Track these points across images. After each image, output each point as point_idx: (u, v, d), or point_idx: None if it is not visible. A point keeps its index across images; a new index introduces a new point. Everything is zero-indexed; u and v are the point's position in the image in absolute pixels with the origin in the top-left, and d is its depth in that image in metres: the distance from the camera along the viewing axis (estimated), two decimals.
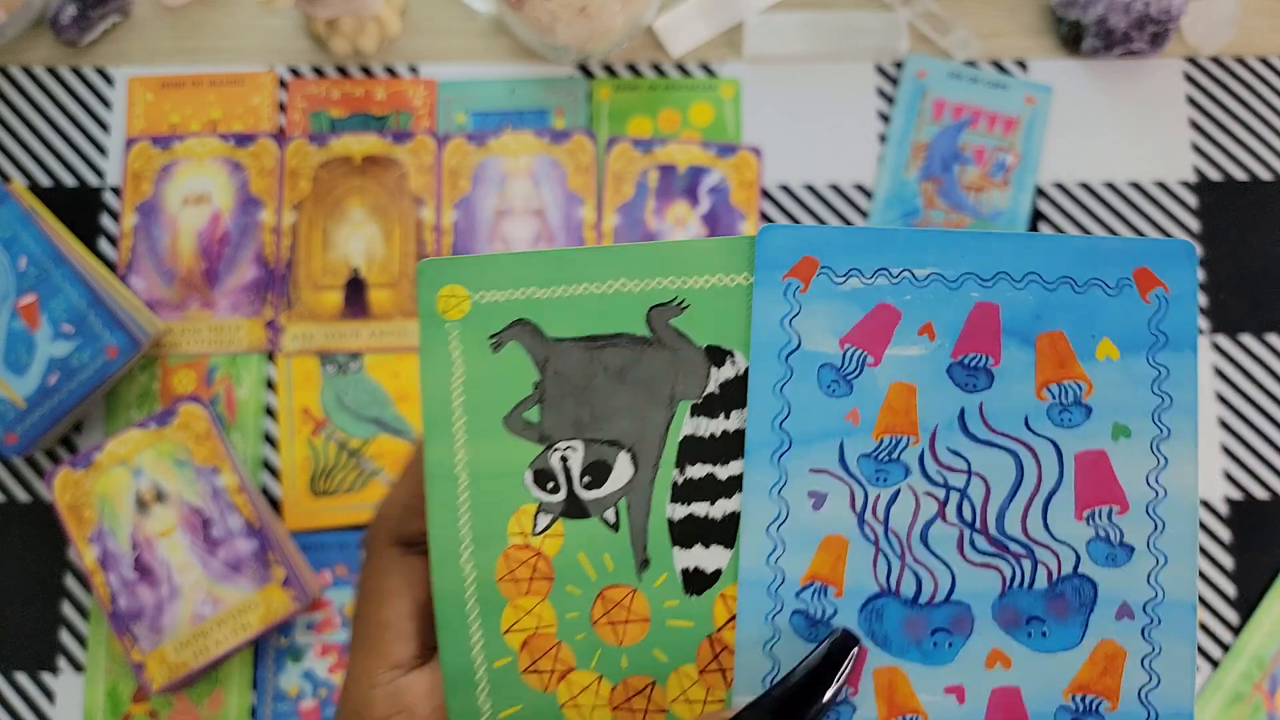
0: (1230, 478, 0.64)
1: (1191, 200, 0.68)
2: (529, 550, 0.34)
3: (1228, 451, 0.65)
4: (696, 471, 0.34)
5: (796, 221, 0.68)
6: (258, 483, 0.64)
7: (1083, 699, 0.31)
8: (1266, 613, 0.62)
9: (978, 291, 0.32)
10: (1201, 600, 0.62)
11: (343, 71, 0.70)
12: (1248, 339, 0.66)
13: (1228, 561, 0.63)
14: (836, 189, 0.68)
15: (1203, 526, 0.64)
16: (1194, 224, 0.67)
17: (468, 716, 0.34)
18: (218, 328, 0.66)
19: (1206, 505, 0.64)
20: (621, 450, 0.34)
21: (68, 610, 0.63)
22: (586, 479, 0.34)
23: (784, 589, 0.32)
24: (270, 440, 0.65)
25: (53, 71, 0.70)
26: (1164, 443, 0.31)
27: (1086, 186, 0.68)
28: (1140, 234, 0.67)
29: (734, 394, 0.34)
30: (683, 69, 0.70)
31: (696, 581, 0.33)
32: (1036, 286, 0.31)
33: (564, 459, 0.34)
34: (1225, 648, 0.62)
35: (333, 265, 0.67)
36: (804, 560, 0.32)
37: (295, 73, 0.70)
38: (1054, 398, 0.31)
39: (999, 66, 0.70)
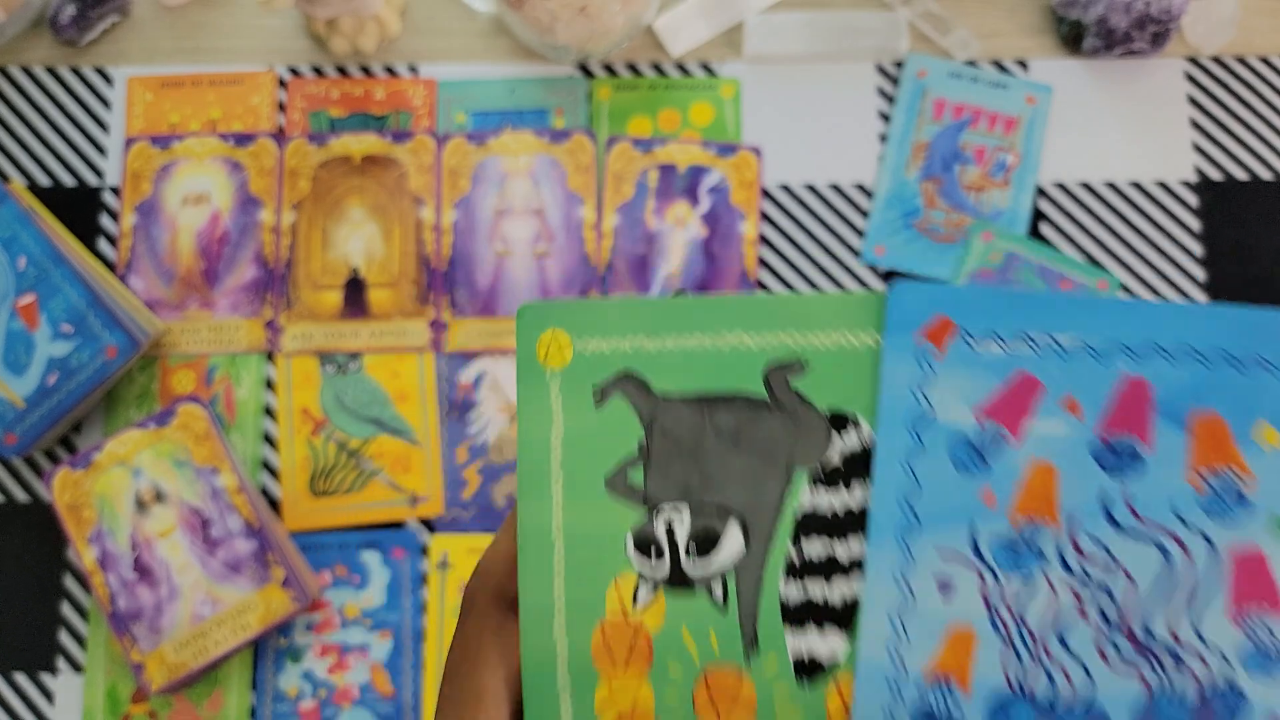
0: None
1: (1192, 200, 0.68)
2: (628, 625, 0.31)
3: None
4: (815, 548, 0.31)
5: (797, 221, 0.68)
6: (257, 483, 0.64)
7: None
8: None
9: (1127, 364, 0.29)
10: None
11: (342, 71, 0.70)
12: None
13: None
14: (837, 189, 0.68)
15: None
16: (1194, 224, 0.67)
17: None
18: (217, 328, 0.66)
19: None
20: (732, 517, 0.31)
21: (67, 611, 0.63)
22: (693, 546, 0.31)
23: (906, 684, 0.29)
24: (270, 440, 0.65)
25: (52, 71, 0.70)
26: None
27: (1087, 186, 0.68)
28: (1143, 235, 0.67)
29: (858, 465, 0.31)
30: (683, 69, 0.70)
31: (810, 669, 0.31)
32: (1192, 362, 0.29)
33: (669, 524, 0.31)
34: None
35: (332, 265, 0.66)
36: (928, 652, 0.30)
37: (295, 72, 0.70)
38: (1209, 486, 0.29)
39: (999, 66, 0.70)
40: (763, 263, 0.67)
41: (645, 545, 0.31)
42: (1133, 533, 0.29)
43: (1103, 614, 0.29)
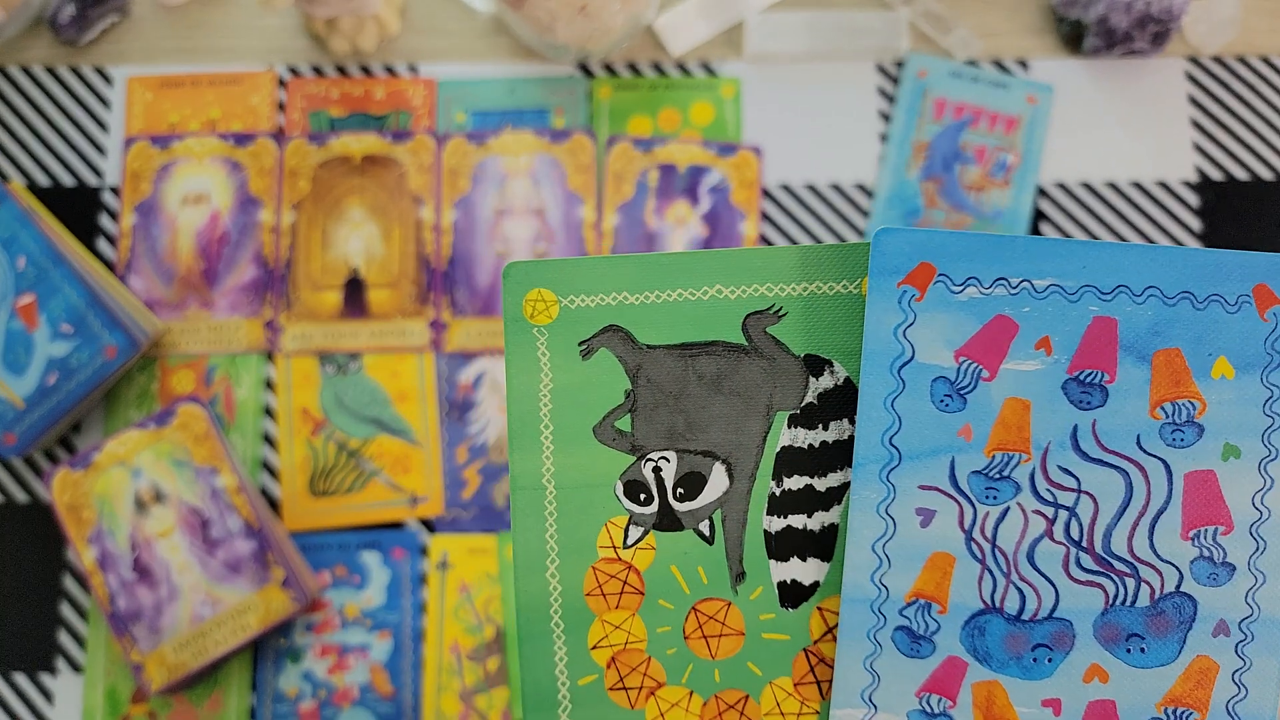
0: None
1: (1193, 200, 0.68)
2: (620, 564, 0.33)
3: None
4: (794, 483, 0.33)
5: (797, 221, 0.68)
6: (257, 483, 0.64)
7: (1175, 711, 0.31)
8: None
9: (1096, 305, 0.31)
10: None
11: (342, 71, 0.70)
12: None
13: None
14: (837, 188, 0.68)
15: None
16: (1195, 223, 0.67)
17: None
18: (217, 328, 0.66)
19: None
20: (717, 461, 0.33)
21: (66, 611, 0.63)
22: (680, 490, 0.33)
23: (887, 605, 0.32)
24: (269, 440, 0.65)
25: (51, 71, 0.70)
26: (1271, 463, 0.31)
27: (1088, 186, 0.68)
28: (1144, 235, 0.67)
29: (833, 404, 0.33)
30: (683, 68, 0.70)
31: (793, 594, 0.33)
32: (1156, 301, 0.31)
33: (657, 469, 0.33)
34: None
35: (332, 265, 0.66)
36: (909, 577, 0.32)
37: (294, 72, 0.70)
38: (1168, 416, 0.31)
39: (1000, 66, 0.70)
40: None
41: (634, 490, 0.33)
42: (1098, 461, 0.31)
43: (1069, 535, 0.31)
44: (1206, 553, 0.31)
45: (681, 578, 0.33)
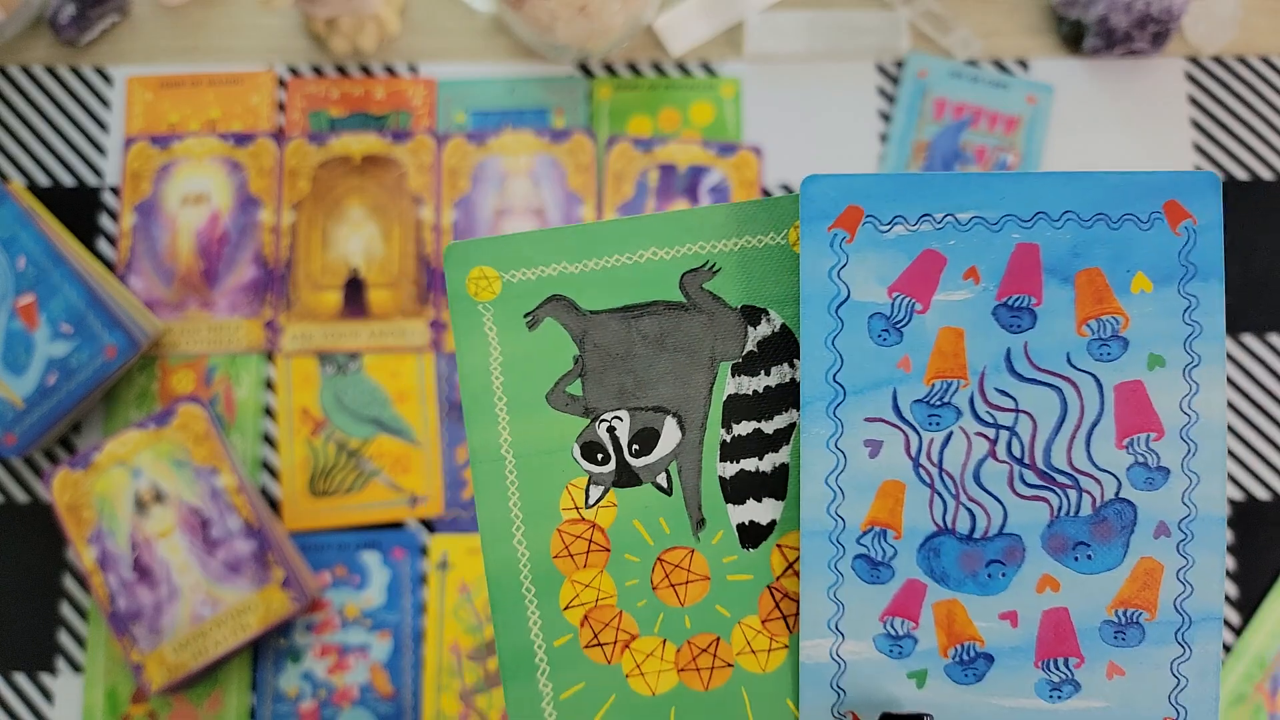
0: (1231, 478, 0.64)
1: None
2: (584, 523, 0.34)
3: (1229, 452, 0.65)
4: (743, 429, 0.34)
5: None
6: (257, 483, 0.64)
7: (1125, 612, 0.33)
8: (1268, 614, 0.62)
9: (1018, 233, 0.32)
10: None
11: (342, 71, 0.70)
12: (1249, 339, 0.66)
13: (1229, 562, 0.63)
14: None
15: None
16: None
17: (528, 703, 0.34)
18: (217, 328, 0.66)
19: None
20: (668, 415, 0.34)
21: (66, 611, 0.63)
22: (635, 447, 0.34)
23: (845, 535, 0.33)
24: (269, 440, 0.65)
25: (51, 71, 0.70)
26: (1195, 369, 0.32)
27: None
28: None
29: (772, 350, 0.34)
30: (683, 68, 0.70)
31: (753, 535, 0.34)
32: (1073, 225, 0.32)
33: (611, 429, 0.34)
34: (1227, 649, 0.62)
35: (332, 265, 0.66)
36: (863, 507, 0.33)
37: (294, 72, 0.70)
38: (1093, 333, 0.33)
39: (1000, 66, 0.70)
40: None
41: (591, 451, 0.34)
42: (1032, 380, 0.33)
43: (1011, 453, 0.33)
44: (1141, 459, 0.32)
45: (645, 530, 0.34)
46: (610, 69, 0.70)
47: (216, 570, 0.59)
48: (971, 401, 0.33)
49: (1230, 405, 0.65)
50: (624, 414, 0.34)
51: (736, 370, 0.34)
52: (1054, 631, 0.33)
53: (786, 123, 0.69)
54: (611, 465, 0.34)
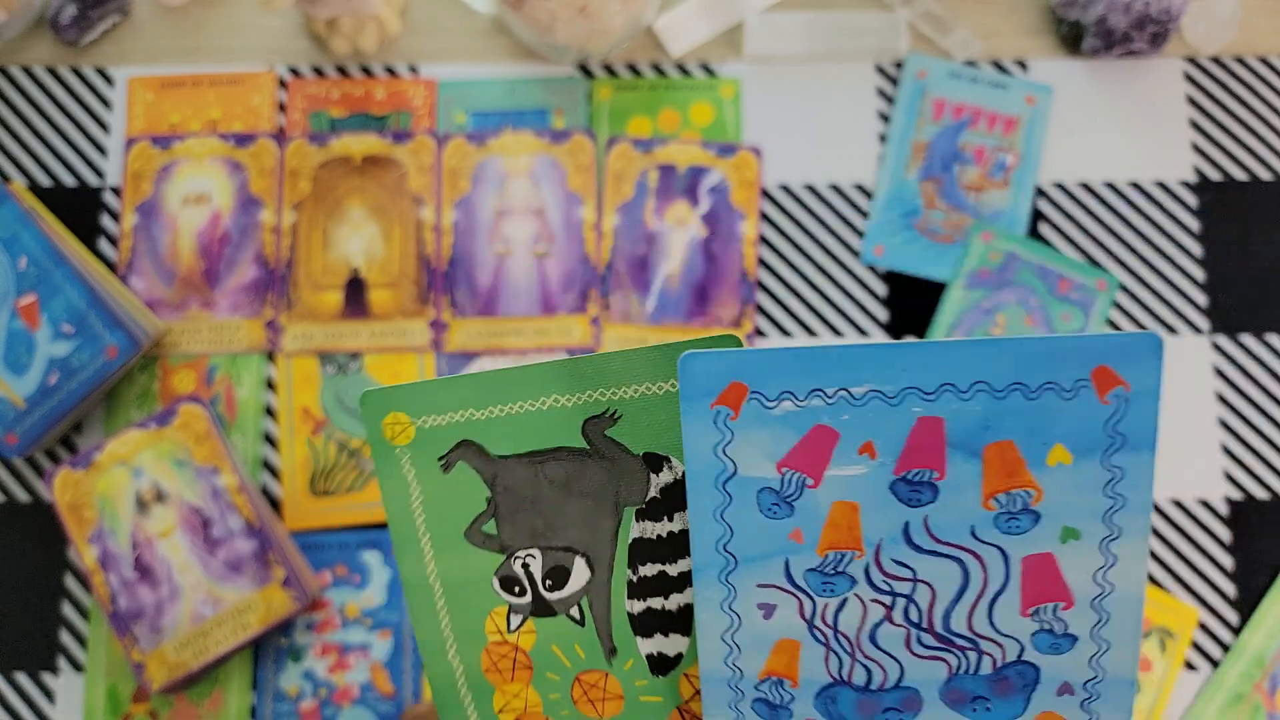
0: (1230, 478, 0.64)
1: (1191, 200, 0.68)
2: (507, 645, 0.36)
3: (1228, 451, 0.65)
4: (648, 570, 0.36)
5: (797, 221, 0.68)
6: (258, 483, 0.64)
7: None
8: (1266, 613, 0.62)
9: (920, 406, 0.31)
10: (1201, 600, 0.62)
11: (342, 71, 0.70)
12: (1248, 339, 0.66)
13: (1228, 561, 0.63)
14: (836, 189, 0.68)
15: (1202, 526, 0.64)
16: (1194, 224, 0.67)
17: None
18: (218, 328, 0.66)
19: (1206, 505, 0.64)
20: (577, 555, 0.36)
21: (68, 610, 0.63)
22: (549, 582, 0.36)
23: (744, 683, 0.33)
24: (270, 440, 0.65)
25: (53, 71, 0.70)
26: (1114, 542, 0.31)
27: (1086, 186, 0.68)
28: (1142, 235, 0.67)
29: (675, 497, 0.35)
30: (683, 69, 0.70)
31: (661, 664, 0.36)
32: (984, 396, 0.30)
33: (525, 566, 0.36)
34: (1225, 648, 0.62)
35: (333, 265, 0.67)
36: (759, 660, 0.33)
37: (295, 72, 0.70)
38: (1002, 506, 0.31)
39: (999, 66, 0.70)
40: (762, 263, 0.67)
41: (509, 584, 0.36)
42: (932, 553, 0.32)
43: (909, 618, 0.32)
44: (1047, 626, 0.32)
45: (562, 654, 0.36)
46: (610, 70, 0.70)
47: (217, 569, 0.59)
48: (867, 571, 0.32)
49: (1229, 405, 0.65)
50: (536, 552, 0.36)
51: (641, 515, 0.35)
52: None
53: (786, 123, 0.69)
54: (528, 597, 0.36)
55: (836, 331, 0.65)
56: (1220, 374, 0.66)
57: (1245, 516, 0.64)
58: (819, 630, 0.33)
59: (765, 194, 0.68)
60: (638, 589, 0.36)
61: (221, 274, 0.67)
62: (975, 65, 0.69)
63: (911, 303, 0.66)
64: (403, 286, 0.66)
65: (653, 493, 0.35)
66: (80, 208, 0.68)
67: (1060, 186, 0.68)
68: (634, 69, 0.70)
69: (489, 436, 0.36)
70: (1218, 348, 0.66)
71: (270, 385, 0.65)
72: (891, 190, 0.68)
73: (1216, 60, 0.70)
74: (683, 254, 0.67)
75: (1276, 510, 0.64)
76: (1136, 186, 0.68)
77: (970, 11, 0.71)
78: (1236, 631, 0.62)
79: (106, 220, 0.68)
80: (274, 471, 0.64)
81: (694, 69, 0.70)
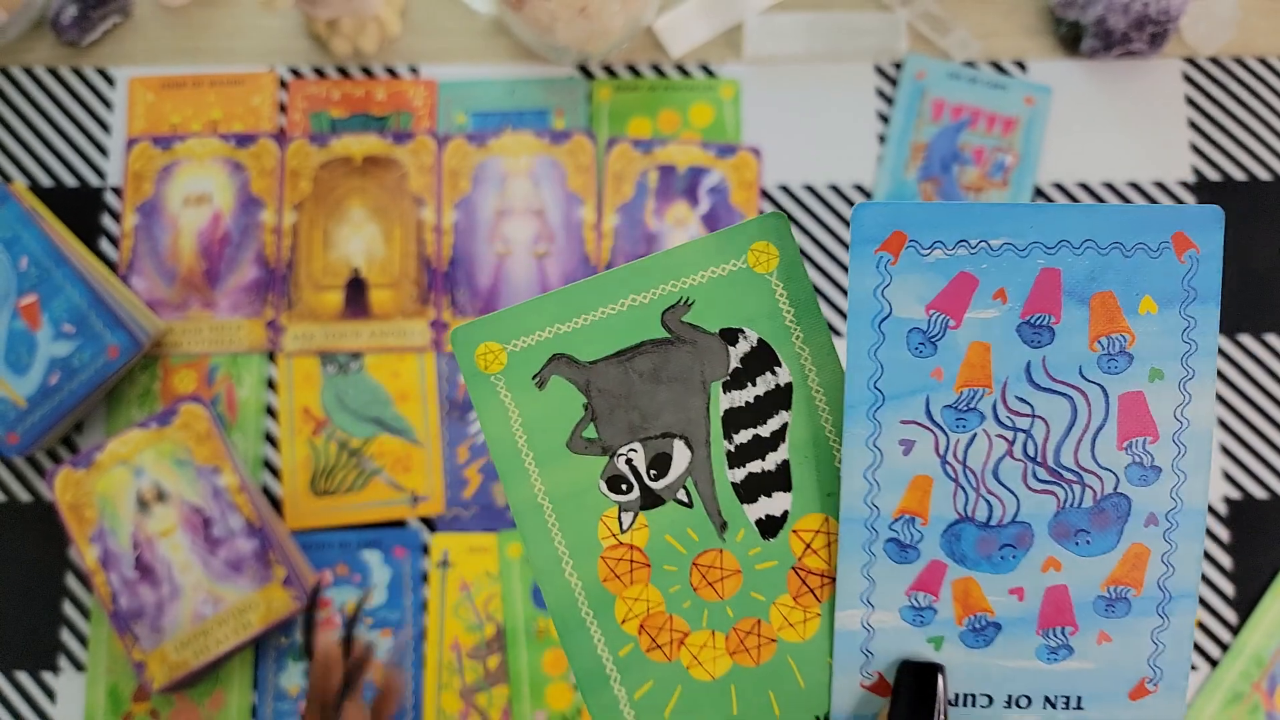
0: (1230, 478, 0.64)
1: (1190, 200, 0.68)
2: (622, 547, 0.38)
3: (1227, 452, 0.65)
4: (743, 436, 0.38)
5: (796, 222, 0.68)
6: (258, 482, 0.64)
7: (1115, 589, 0.37)
8: (1265, 612, 0.62)
9: (1043, 258, 0.37)
10: (1201, 600, 0.63)
11: (343, 72, 0.70)
12: (1247, 339, 0.66)
13: (1227, 561, 0.63)
14: (836, 189, 0.68)
15: None
16: None
17: (608, 709, 0.38)
18: (218, 328, 0.66)
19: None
20: (675, 439, 0.38)
21: (69, 609, 0.63)
22: (653, 472, 0.38)
23: (879, 522, 0.38)
24: (271, 440, 0.65)
25: (54, 72, 0.70)
26: (1189, 382, 0.37)
27: (1085, 186, 0.68)
28: None
29: (754, 364, 0.38)
30: (682, 69, 0.70)
31: (770, 526, 0.38)
32: (1092, 252, 0.36)
33: (629, 461, 0.38)
34: (1224, 647, 0.62)
35: (333, 265, 0.67)
36: (895, 497, 0.38)
37: (296, 73, 0.70)
38: (1103, 349, 0.37)
39: (998, 67, 0.70)
40: None
41: (615, 483, 0.38)
42: (1048, 389, 0.37)
43: (1026, 453, 0.37)
44: (1137, 459, 0.37)
45: (676, 542, 0.38)
46: (610, 70, 0.70)
47: (218, 569, 0.59)
48: (994, 407, 0.37)
49: (1228, 405, 0.65)
50: (637, 445, 0.38)
51: (727, 387, 0.38)
52: (1054, 605, 0.38)
53: (785, 124, 0.69)
54: (636, 492, 0.38)
55: (837, 332, 0.65)
56: (1220, 374, 0.66)
57: (1244, 516, 0.64)
58: (950, 465, 0.37)
59: (765, 194, 0.68)
60: (736, 456, 0.38)
61: (222, 274, 0.67)
62: (974, 66, 0.70)
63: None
64: (403, 287, 0.66)
65: (733, 364, 0.38)
66: (81, 208, 0.68)
67: (1059, 187, 0.68)
68: (634, 70, 0.70)
69: (576, 346, 0.38)
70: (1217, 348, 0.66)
71: (271, 385, 0.66)
72: (890, 190, 0.68)
73: (1215, 61, 0.70)
74: None
75: (1275, 510, 0.64)
76: (1135, 187, 0.68)
77: (969, 12, 0.71)
78: (1235, 631, 0.62)
79: (107, 220, 0.68)
80: (275, 471, 0.65)
81: (694, 70, 0.70)
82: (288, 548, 0.61)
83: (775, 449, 0.38)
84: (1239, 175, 0.68)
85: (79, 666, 0.62)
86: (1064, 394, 0.37)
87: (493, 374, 0.38)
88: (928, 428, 0.37)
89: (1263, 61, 0.70)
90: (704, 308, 0.38)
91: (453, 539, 0.63)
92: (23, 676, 0.62)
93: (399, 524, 0.64)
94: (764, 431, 0.38)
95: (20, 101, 0.70)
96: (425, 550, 0.63)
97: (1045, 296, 0.37)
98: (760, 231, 0.38)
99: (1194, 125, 0.69)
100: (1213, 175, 0.68)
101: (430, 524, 0.64)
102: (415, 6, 0.71)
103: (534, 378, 0.38)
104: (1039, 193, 0.68)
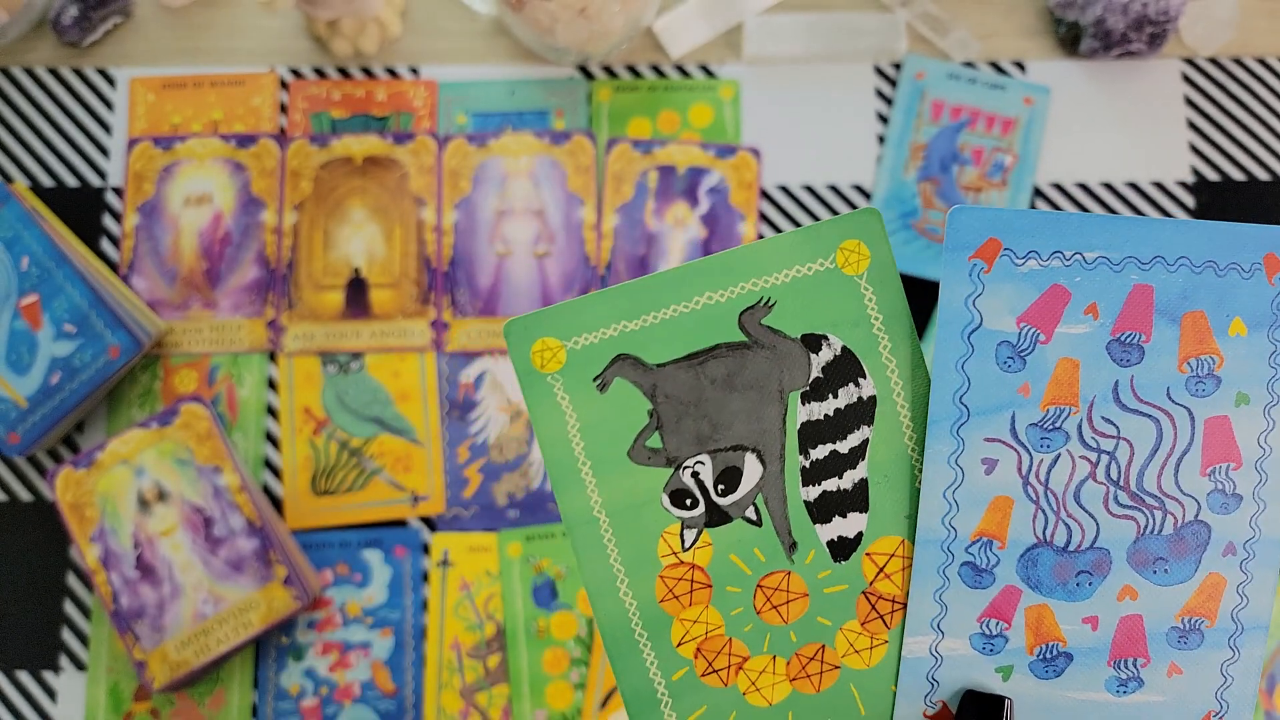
0: None
1: (1189, 200, 0.68)
2: (683, 566, 0.35)
3: None
4: (820, 452, 0.35)
5: (795, 222, 0.68)
6: (259, 482, 0.64)
7: (1189, 620, 0.36)
8: None
9: (1136, 274, 0.35)
10: None
11: (344, 72, 0.70)
12: None
13: None
14: (835, 190, 0.68)
15: None
16: None
17: None
18: (219, 327, 0.66)
19: None
20: (747, 452, 0.35)
21: (70, 609, 0.63)
22: (721, 487, 0.35)
23: (955, 544, 0.36)
24: (272, 440, 0.65)
25: (54, 72, 0.70)
26: (1274, 408, 0.35)
27: (1084, 187, 0.68)
28: None
29: (837, 374, 0.35)
30: (682, 70, 0.70)
31: (843, 548, 0.36)
32: (1185, 269, 0.35)
33: (695, 474, 0.35)
34: None
35: (334, 265, 0.67)
36: (974, 519, 0.36)
37: (296, 73, 0.70)
38: (1192, 370, 0.35)
39: (997, 67, 0.70)
40: None
41: (680, 498, 0.35)
42: (1135, 411, 0.35)
43: (1109, 476, 0.36)
44: (1220, 486, 0.36)
45: (741, 562, 0.35)
46: (610, 71, 0.70)
47: (219, 568, 0.59)
48: (1079, 427, 0.36)
49: None
50: (705, 458, 0.35)
51: (805, 398, 0.35)
52: (1127, 635, 0.36)
53: (785, 124, 0.69)
54: (701, 508, 0.35)
55: None
56: None
57: None
58: (1032, 487, 0.36)
59: (764, 195, 0.68)
60: (811, 473, 0.35)
61: (223, 274, 0.67)
62: (973, 66, 0.70)
63: (909, 303, 0.67)
64: (404, 287, 0.66)
65: (815, 373, 0.35)
66: (82, 208, 0.68)
67: (1058, 187, 0.68)
68: (634, 70, 0.70)
69: (643, 347, 0.35)
70: None
71: (272, 385, 0.66)
72: (890, 191, 0.68)
73: (1214, 61, 0.70)
74: (682, 254, 0.67)
75: None
76: (1134, 187, 0.68)
77: (968, 12, 0.71)
78: None
79: (108, 220, 0.68)
80: (275, 471, 0.65)
81: (693, 70, 0.70)
82: (288, 547, 0.61)
83: (854, 466, 0.35)
84: (1238, 176, 0.68)
85: (80, 666, 0.62)
86: (1151, 416, 0.35)
87: (550, 373, 0.35)
88: (1011, 446, 0.36)
89: (1261, 62, 0.70)
90: (785, 310, 0.35)
91: (453, 538, 0.63)
92: (24, 676, 0.62)
93: (399, 523, 0.64)
94: (843, 447, 0.35)
95: (21, 102, 0.70)
96: (425, 550, 0.63)
97: (1137, 314, 0.35)
98: (852, 229, 0.35)
99: (1193, 126, 0.69)
100: (1212, 176, 0.68)
101: (430, 523, 0.64)
102: (416, 7, 0.72)
103: (595, 379, 0.35)
104: (1038, 193, 0.68)
